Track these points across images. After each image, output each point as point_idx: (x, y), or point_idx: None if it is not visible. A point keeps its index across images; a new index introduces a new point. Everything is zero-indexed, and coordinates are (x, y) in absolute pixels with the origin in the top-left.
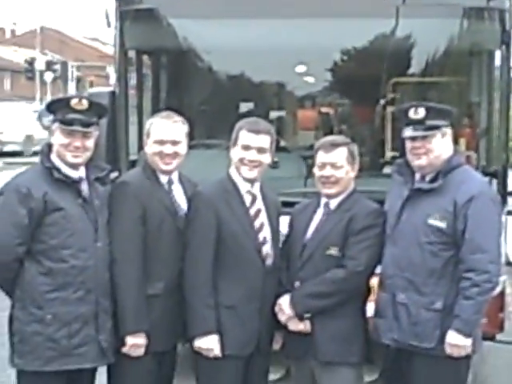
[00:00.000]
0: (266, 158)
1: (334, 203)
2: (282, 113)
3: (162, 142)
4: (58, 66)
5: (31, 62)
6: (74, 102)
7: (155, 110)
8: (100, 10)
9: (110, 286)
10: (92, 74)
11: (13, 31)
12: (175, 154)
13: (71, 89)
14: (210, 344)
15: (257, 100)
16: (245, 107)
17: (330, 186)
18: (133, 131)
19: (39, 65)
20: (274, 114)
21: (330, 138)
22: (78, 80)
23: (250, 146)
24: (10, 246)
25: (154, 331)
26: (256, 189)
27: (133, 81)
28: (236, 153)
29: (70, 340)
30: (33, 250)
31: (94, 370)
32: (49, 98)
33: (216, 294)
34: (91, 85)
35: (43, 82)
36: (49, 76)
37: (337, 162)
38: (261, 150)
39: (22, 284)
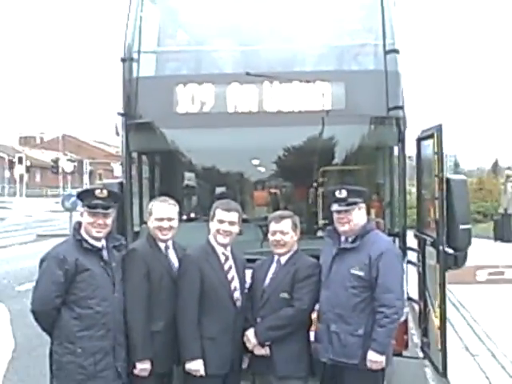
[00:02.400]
0: (236, 229)
1: (283, 259)
2: (244, 194)
3: (160, 219)
4: (75, 163)
5: (56, 161)
6: (97, 191)
7: (152, 195)
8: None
9: (124, 325)
10: (101, 168)
11: (41, 138)
12: (170, 228)
13: (86, 180)
14: (196, 366)
15: (226, 185)
16: (218, 191)
17: (280, 248)
18: (136, 211)
19: (62, 163)
20: (238, 195)
21: (278, 212)
22: (91, 173)
23: (224, 220)
24: (50, 297)
25: (156, 358)
26: (228, 251)
27: (135, 174)
28: (213, 225)
29: (95, 367)
30: (67, 300)
31: None
32: (69, 186)
33: (200, 329)
34: (100, 176)
35: (64, 175)
36: (69, 170)
37: (284, 230)
38: (232, 223)
39: (58, 326)
